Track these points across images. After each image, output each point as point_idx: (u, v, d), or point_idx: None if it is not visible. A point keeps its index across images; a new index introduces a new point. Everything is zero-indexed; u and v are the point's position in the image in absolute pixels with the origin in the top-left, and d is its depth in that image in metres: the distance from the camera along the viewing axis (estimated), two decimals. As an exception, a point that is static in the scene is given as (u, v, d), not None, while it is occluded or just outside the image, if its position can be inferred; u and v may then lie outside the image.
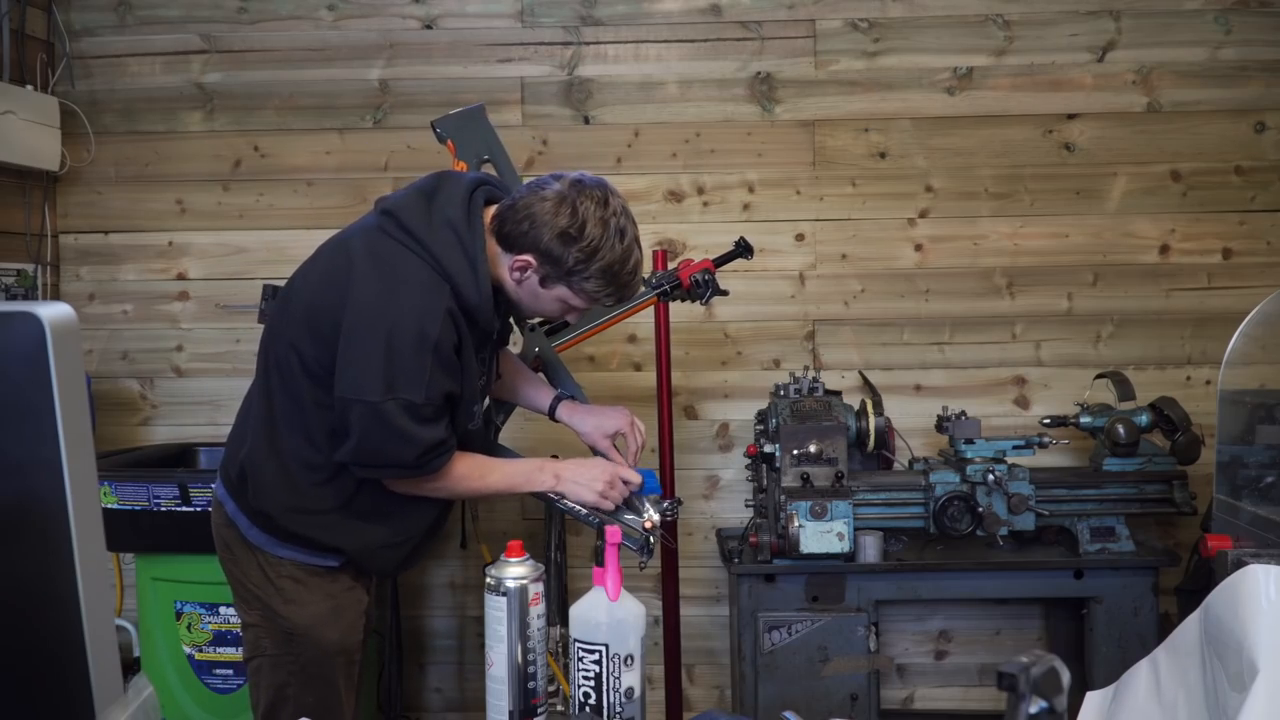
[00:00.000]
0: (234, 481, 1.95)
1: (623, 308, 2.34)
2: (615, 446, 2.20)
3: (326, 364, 1.82)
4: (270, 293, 2.98)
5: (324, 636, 1.92)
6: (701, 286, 2.65)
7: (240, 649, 2.05)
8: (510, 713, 1.44)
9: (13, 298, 3.20)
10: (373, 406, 1.75)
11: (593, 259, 1.81)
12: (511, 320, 2.27)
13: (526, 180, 1.94)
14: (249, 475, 1.91)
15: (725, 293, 2.75)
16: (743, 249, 2.72)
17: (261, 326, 3.03)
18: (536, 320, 2.57)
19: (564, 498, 2.02)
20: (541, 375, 2.48)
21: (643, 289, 2.63)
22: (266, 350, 1.96)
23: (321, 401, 1.84)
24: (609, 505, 2.02)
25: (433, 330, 1.76)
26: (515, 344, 2.50)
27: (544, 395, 2.28)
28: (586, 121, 3.36)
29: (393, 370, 1.75)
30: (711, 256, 2.72)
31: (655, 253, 2.77)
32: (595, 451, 2.21)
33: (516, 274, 1.87)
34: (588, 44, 3.35)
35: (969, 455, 2.82)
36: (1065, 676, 0.92)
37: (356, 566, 1.99)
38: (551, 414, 2.26)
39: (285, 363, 1.88)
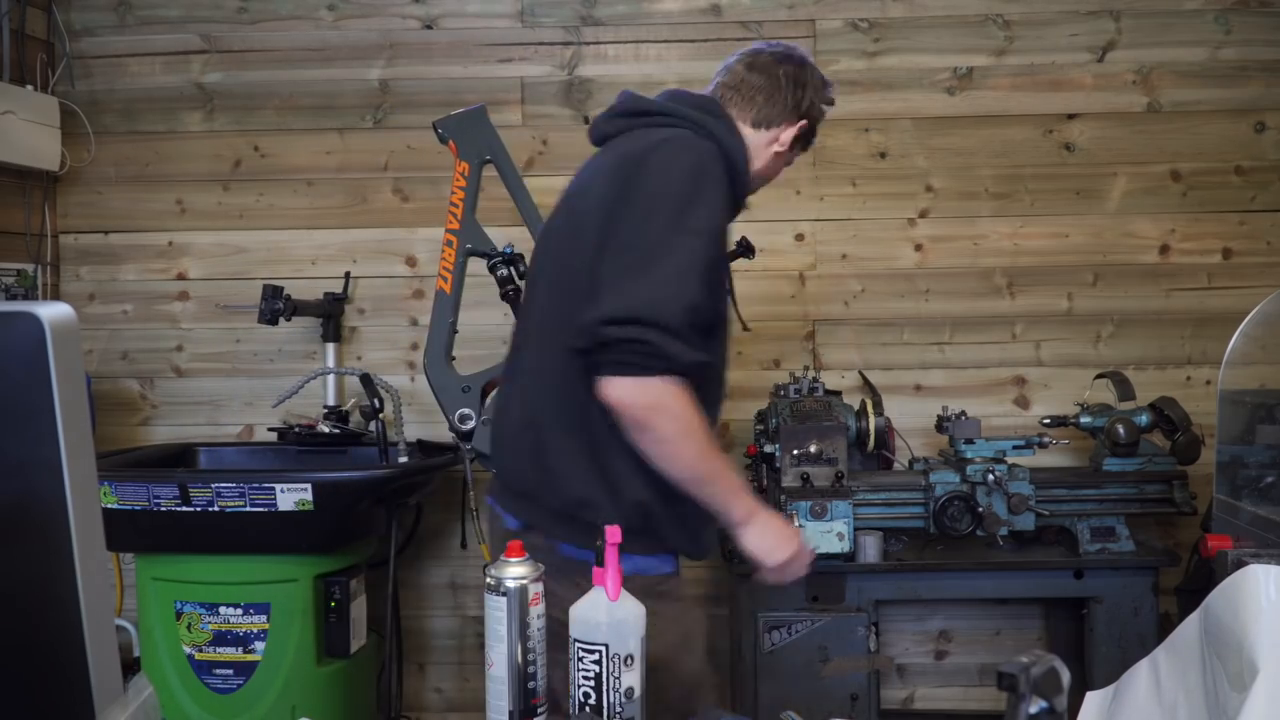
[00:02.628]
0: (574, 505, 1.67)
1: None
2: None
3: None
4: (270, 293, 2.98)
5: (682, 667, 1.65)
6: None
7: (240, 650, 2.03)
8: (510, 713, 1.44)
9: (13, 298, 3.20)
10: (663, 237, 1.57)
11: (825, 86, 1.92)
12: None
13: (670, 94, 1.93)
14: (607, 475, 1.66)
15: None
16: (744, 249, 2.72)
17: (262, 327, 3.07)
18: None
19: (742, 541, 1.74)
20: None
21: None
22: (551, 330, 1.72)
23: None
24: (774, 576, 1.77)
25: (715, 167, 1.67)
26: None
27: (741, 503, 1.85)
28: (587, 121, 3.36)
29: (684, 203, 1.60)
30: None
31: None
32: None
33: (779, 147, 1.90)
34: (588, 44, 3.35)
35: (969, 455, 2.82)
36: (1065, 676, 0.92)
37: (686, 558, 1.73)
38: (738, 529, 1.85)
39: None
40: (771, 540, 1.73)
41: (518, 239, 2.80)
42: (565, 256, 1.73)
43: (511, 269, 2.65)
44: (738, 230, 2.86)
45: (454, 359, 2.62)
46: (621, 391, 1.58)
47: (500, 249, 2.69)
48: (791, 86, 1.87)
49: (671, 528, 1.71)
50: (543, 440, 1.70)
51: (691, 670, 1.71)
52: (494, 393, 1.95)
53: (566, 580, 1.58)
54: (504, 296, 2.56)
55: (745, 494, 1.73)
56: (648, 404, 1.58)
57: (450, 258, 2.70)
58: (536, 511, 1.73)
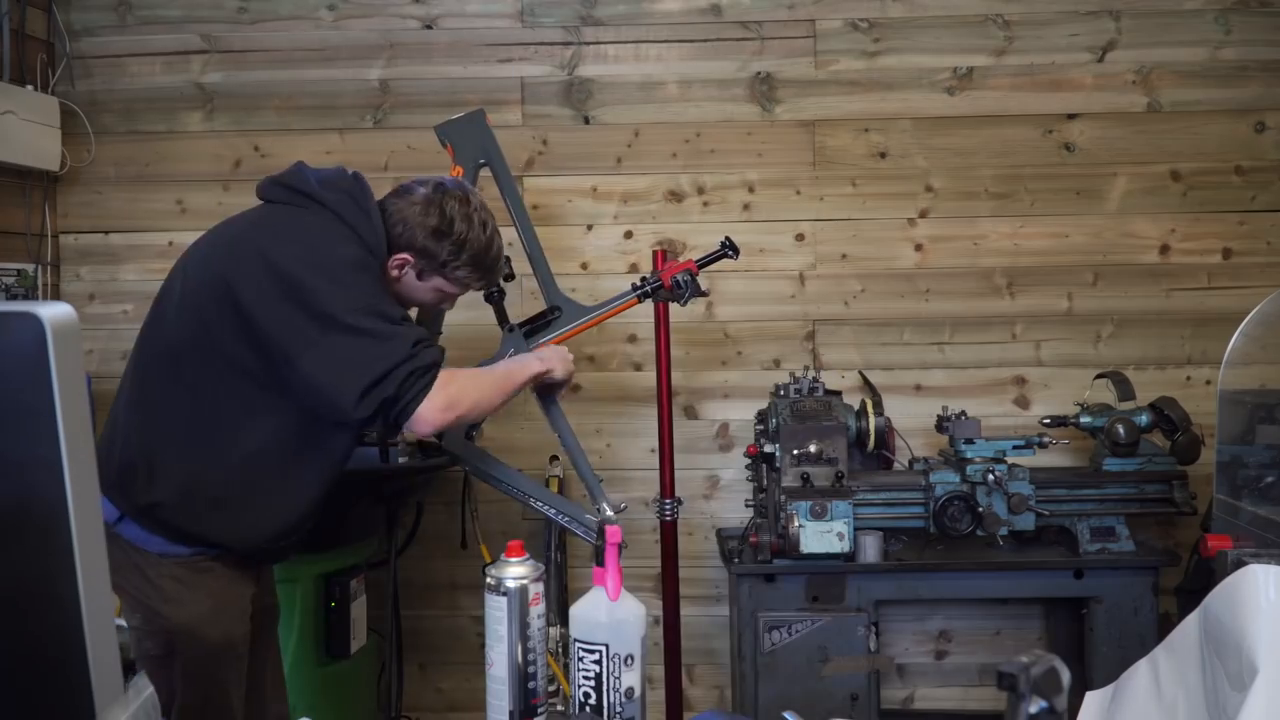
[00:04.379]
0: (114, 480, 1.89)
1: (484, 287, 2.33)
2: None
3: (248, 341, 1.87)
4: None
5: (206, 635, 1.90)
6: (682, 287, 2.65)
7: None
8: (510, 713, 1.44)
9: (13, 298, 3.20)
10: (341, 326, 1.82)
11: (462, 250, 2.05)
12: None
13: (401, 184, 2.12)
14: (141, 470, 1.90)
15: (705, 293, 2.76)
16: (728, 249, 2.72)
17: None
18: (519, 322, 2.61)
19: (552, 375, 2.28)
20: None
21: (627, 290, 2.66)
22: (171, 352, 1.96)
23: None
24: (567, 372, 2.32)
25: (350, 251, 1.92)
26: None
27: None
28: (586, 121, 3.36)
29: (334, 293, 1.84)
30: (695, 258, 2.72)
31: (655, 253, 2.77)
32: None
33: (395, 270, 2.05)
34: (588, 44, 3.35)
35: (969, 455, 2.82)
36: (1065, 676, 0.92)
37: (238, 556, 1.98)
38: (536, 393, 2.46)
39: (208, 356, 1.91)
40: (558, 357, 2.31)
41: (512, 239, 2.80)
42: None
43: None
44: (727, 231, 2.85)
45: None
46: (428, 418, 1.89)
47: None
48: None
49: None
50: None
51: (218, 638, 1.94)
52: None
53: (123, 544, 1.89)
54: (487, 298, 2.58)
55: (520, 360, 2.30)
56: (445, 407, 1.91)
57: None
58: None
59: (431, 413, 1.88)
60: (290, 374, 1.85)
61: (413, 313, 2.19)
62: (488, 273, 2.13)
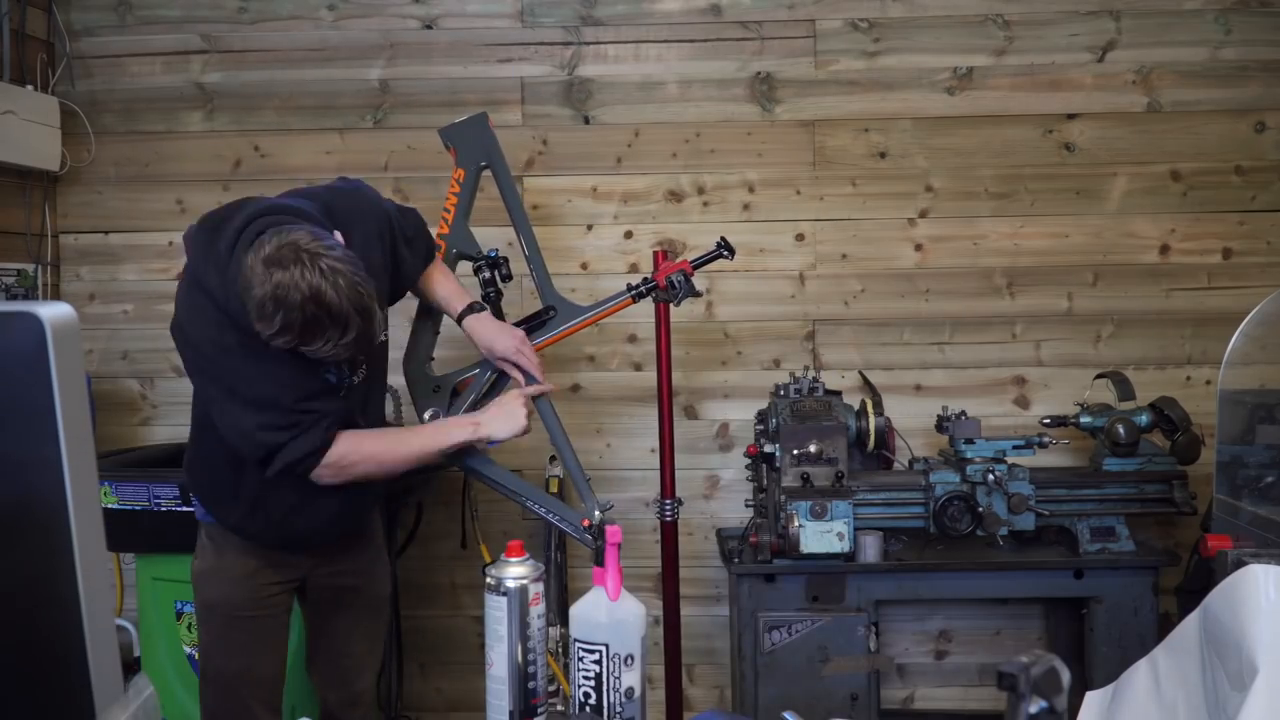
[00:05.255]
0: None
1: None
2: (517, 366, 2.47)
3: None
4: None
5: (202, 590, 2.22)
6: (676, 288, 2.65)
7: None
8: (510, 713, 1.44)
9: (13, 298, 3.20)
10: (215, 403, 2.03)
11: (271, 320, 1.85)
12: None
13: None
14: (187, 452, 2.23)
15: (699, 294, 2.76)
16: (723, 249, 2.72)
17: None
18: (515, 322, 2.62)
19: (492, 439, 2.27)
20: (461, 285, 2.55)
21: (623, 290, 2.67)
22: None
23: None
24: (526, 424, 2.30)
25: (208, 334, 1.97)
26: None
27: (458, 302, 2.46)
28: (586, 121, 3.36)
29: (204, 368, 2.01)
30: (691, 258, 2.73)
31: (655, 253, 2.77)
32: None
33: None
34: (588, 44, 3.35)
35: (969, 455, 2.82)
36: (1065, 676, 0.92)
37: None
38: (459, 321, 2.46)
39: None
40: (504, 415, 2.29)
41: (511, 239, 2.80)
42: None
43: (495, 272, 2.66)
44: (727, 231, 2.86)
45: (433, 359, 2.64)
46: (319, 476, 2.06)
47: (485, 252, 2.70)
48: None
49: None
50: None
51: (214, 596, 2.21)
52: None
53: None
54: (485, 298, 2.59)
55: (451, 423, 2.32)
56: (333, 468, 2.06)
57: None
58: None
59: (320, 471, 2.04)
60: None
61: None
62: (314, 337, 1.86)
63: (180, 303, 2.02)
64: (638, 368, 3.35)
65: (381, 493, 2.35)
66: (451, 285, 2.49)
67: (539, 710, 1.46)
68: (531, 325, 2.66)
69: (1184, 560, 2.91)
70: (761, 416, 3.04)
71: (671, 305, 2.72)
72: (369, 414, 2.21)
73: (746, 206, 3.34)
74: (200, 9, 3.40)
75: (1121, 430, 2.86)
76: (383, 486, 2.30)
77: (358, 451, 2.08)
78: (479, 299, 2.53)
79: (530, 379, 2.47)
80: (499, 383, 2.59)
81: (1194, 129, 3.29)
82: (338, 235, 1.97)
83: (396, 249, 2.25)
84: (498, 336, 2.45)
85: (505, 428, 2.28)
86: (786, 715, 1.36)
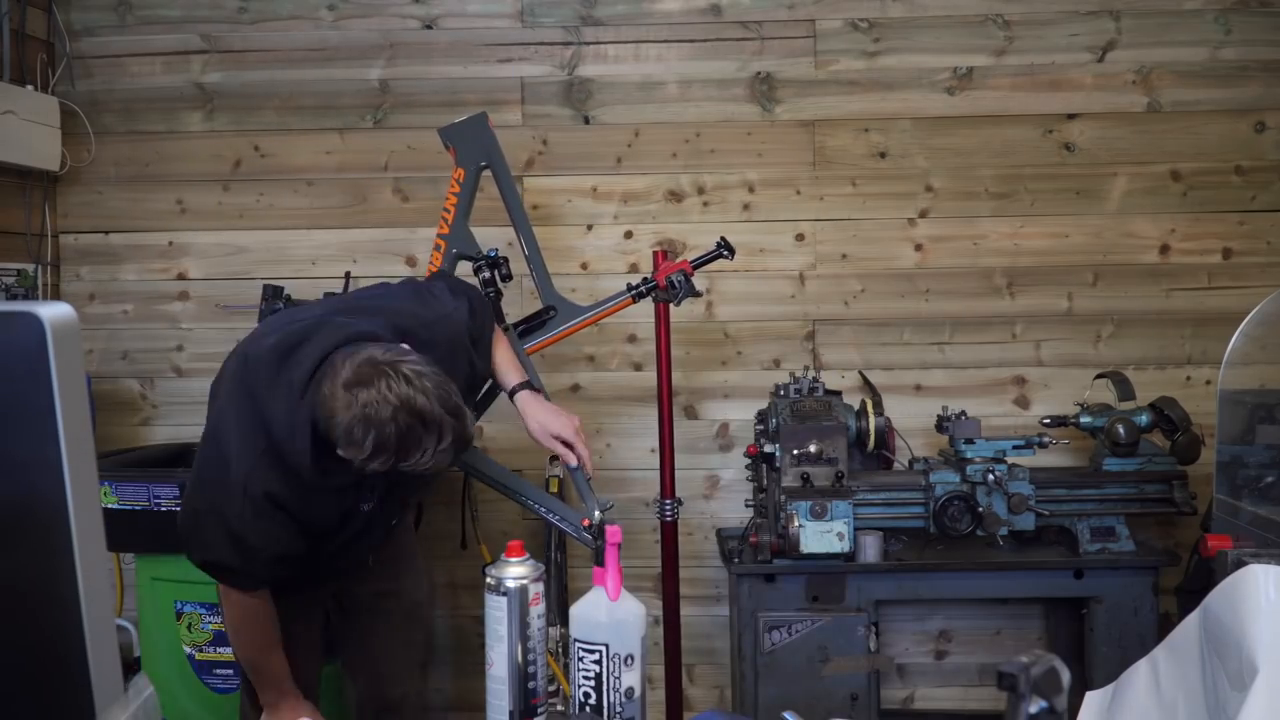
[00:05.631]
0: None
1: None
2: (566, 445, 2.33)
3: None
4: (270, 293, 2.99)
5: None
6: (676, 288, 2.65)
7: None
8: (510, 713, 1.44)
9: (13, 298, 3.20)
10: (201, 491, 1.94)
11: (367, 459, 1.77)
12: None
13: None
14: None
15: (699, 294, 2.76)
16: (723, 249, 2.72)
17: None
18: (515, 322, 2.62)
19: None
20: (526, 358, 2.54)
21: (623, 290, 2.67)
22: None
23: None
24: None
25: (234, 448, 1.87)
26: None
27: (512, 377, 2.35)
28: (586, 121, 3.36)
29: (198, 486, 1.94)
30: (691, 258, 2.73)
31: (655, 253, 2.77)
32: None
33: None
34: (588, 44, 3.35)
35: (969, 455, 2.82)
36: (1065, 676, 0.92)
37: None
38: (511, 395, 2.35)
39: None
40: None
41: (511, 239, 2.80)
42: None
43: (495, 271, 2.67)
44: (727, 231, 2.87)
45: None
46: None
47: (485, 252, 2.70)
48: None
49: None
50: None
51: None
52: None
53: None
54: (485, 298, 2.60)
55: (271, 697, 2.10)
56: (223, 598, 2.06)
57: (438, 261, 2.72)
58: None
59: (218, 584, 2.04)
60: None
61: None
62: (400, 455, 1.78)
63: (225, 409, 1.91)
64: (638, 368, 3.35)
65: (415, 504, 2.33)
66: (508, 356, 2.38)
67: (539, 710, 1.46)
68: (531, 325, 2.66)
69: (1184, 560, 2.91)
70: (761, 416, 3.04)
71: (672, 305, 2.72)
72: (373, 534, 2.14)
73: (746, 206, 3.34)
74: (200, 9, 3.40)
75: (1121, 430, 2.86)
76: (415, 500, 2.26)
77: (229, 615, 2.07)
78: (535, 377, 2.47)
79: (578, 467, 2.39)
80: None
81: (1194, 129, 3.29)
82: (404, 345, 1.88)
83: (472, 360, 2.16)
84: (553, 417, 2.32)
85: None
86: (786, 715, 1.36)
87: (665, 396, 2.79)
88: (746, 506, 3.12)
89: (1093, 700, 1.40)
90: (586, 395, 3.35)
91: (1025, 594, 3.10)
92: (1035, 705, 0.90)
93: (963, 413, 2.93)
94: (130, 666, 1.08)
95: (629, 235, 3.35)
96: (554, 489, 3.10)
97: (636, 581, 3.19)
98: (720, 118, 3.34)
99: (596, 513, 2.49)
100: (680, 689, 2.86)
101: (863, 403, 2.94)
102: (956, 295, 3.32)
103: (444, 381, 1.79)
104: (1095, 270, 3.31)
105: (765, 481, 2.95)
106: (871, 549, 2.78)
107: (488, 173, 2.77)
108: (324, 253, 3.38)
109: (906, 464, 3.00)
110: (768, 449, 2.85)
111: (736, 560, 2.89)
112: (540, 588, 1.47)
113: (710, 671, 3.37)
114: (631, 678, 1.42)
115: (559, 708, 1.59)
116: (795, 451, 2.78)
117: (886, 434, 2.93)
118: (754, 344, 3.35)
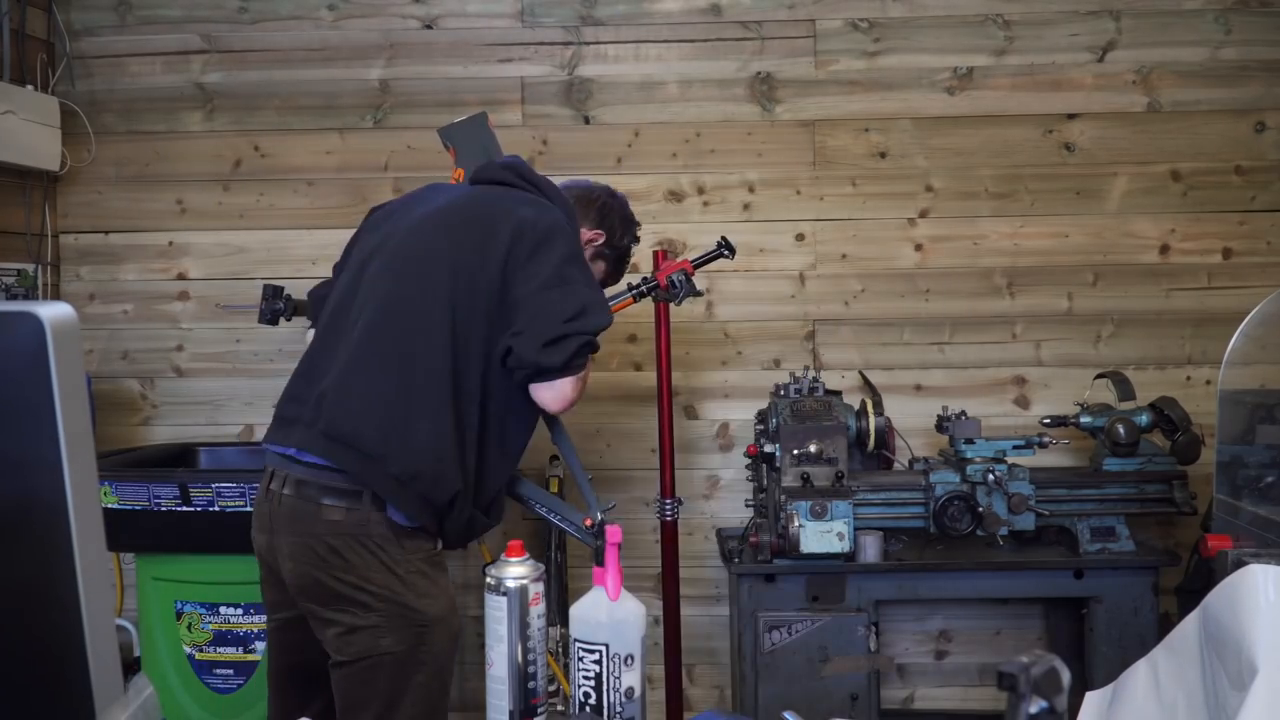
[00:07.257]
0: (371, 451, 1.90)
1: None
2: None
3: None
4: (270, 293, 2.99)
5: (451, 626, 1.95)
6: (677, 287, 2.65)
7: (240, 650, 2.06)
8: (510, 713, 1.44)
9: (13, 298, 3.20)
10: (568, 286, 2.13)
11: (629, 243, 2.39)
12: None
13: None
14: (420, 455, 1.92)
15: (700, 293, 2.76)
16: (724, 249, 2.72)
17: (262, 327, 3.07)
18: None
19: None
20: None
21: (623, 289, 2.66)
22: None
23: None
24: None
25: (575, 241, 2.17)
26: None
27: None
28: (587, 121, 3.36)
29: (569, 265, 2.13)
30: (692, 258, 2.73)
31: (655, 253, 2.77)
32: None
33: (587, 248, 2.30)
34: (588, 44, 3.36)
35: (969, 455, 2.82)
36: (1065, 676, 0.92)
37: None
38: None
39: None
40: None
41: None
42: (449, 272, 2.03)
43: None
44: (727, 231, 2.87)
45: None
46: (568, 390, 2.12)
47: None
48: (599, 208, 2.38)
49: (456, 525, 1.99)
50: (412, 417, 1.92)
51: (455, 628, 1.99)
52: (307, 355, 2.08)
53: (370, 544, 1.88)
54: None
55: None
56: (577, 395, 2.15)
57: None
58: (372, 472, 1.89)
59: (577, 381, 2.17)
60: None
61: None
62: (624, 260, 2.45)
63: (561, 218, 2.13)
64: (638, 368, 3.35)
65: None
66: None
67: (539, 710, 1.46)
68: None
69: (1184, 560, 2.91)
70: (761, 416, 3.04)
71: (672, 305, 2.72)
72: None
73: (746, 206, 3.34)
74: (200, 9, 3.40)
75: (1121, 430, 2.86)
76: None
77: (580, 392, 2.20)
78: None
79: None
80: None
81: (1194, 129, 3.29)
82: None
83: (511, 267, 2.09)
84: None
85: None
86: (786, 715, 1.36)
87: (665, 396, 2.79)
88: (746, 506, 3.12)
89: (1093, 700, 1.40)
90: (586, 395, 3.34)
91: (1025, 594, 3.10)
92: (1035, 705, 0.90)
93: (963, 413, 2.93)
94: (130, 666, 1.08)
95: (629, 235, 3.35)
96: (554, 489, 3.10)
97: (636, 581, 3.19)
98: (720, 118, 3.34)
99: (597, 513, 2.47)
100: (680, 689, 2.86)
101: (863, 403, 2.94)
102: (956, 295, 3.32)
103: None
104: (1095, 270, 3.31)
105: (765, 481, 2.96)
106: (871, 549, 2.78)
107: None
108: (324, 253, 3.38)
109: (906, 464, 3.00)
110: (768, 449, 2.85)
111: (736, 560, 2.89)
112: (540, 588, 1.47)
113: (710, 671, 3.37)
114: (631, 678, 1.42)
115: (559, 708, 1.59)
116: (795, 451, 2.78)
117: (886, 434, 2.93)
118: (754, 344, 3.35)
